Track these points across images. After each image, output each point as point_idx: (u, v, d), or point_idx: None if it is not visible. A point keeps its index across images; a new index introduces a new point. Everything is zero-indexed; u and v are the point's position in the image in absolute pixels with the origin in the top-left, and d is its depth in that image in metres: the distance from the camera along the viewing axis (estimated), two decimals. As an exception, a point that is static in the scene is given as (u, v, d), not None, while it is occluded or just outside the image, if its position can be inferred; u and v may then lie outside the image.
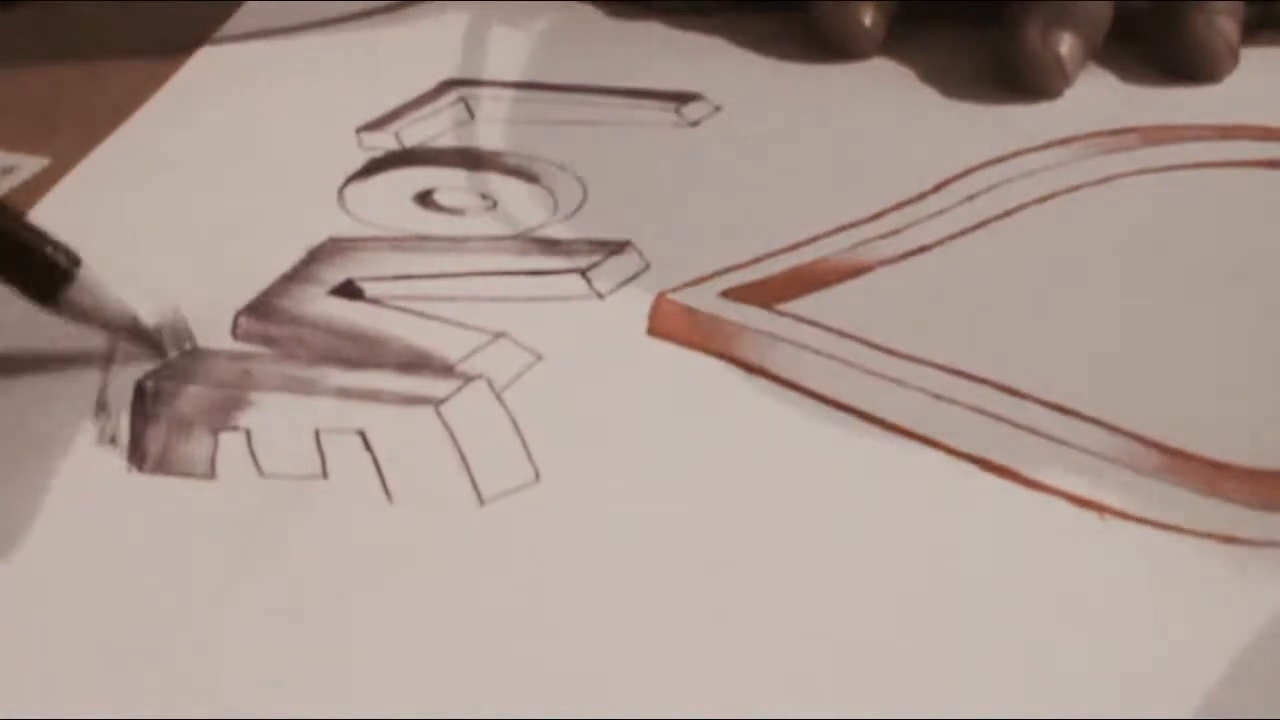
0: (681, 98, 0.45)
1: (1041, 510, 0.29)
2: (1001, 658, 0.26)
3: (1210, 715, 0.25)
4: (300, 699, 0.26)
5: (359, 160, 0.42)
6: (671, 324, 0.35)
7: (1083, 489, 0.29)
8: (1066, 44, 0.45)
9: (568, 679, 0.26)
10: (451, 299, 0.36)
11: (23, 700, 0.26)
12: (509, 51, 0.48)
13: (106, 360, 0.33)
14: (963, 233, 0.38)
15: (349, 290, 0.36)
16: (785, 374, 0.33)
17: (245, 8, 0.49)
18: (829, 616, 0.27)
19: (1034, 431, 0.31)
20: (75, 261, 0.32)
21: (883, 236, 0.38)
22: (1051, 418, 0.31)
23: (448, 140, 0.43)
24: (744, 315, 0.35)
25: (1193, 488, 0.29)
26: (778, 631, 0.27)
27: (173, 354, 0.32)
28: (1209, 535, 0.28)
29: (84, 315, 0.32)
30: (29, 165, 0.41)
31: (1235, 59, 0.45)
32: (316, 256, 0.37)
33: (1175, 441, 0.31)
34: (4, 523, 0.29)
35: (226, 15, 0.49)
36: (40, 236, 0.32)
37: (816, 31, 0.47)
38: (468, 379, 0.33)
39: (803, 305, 0.35)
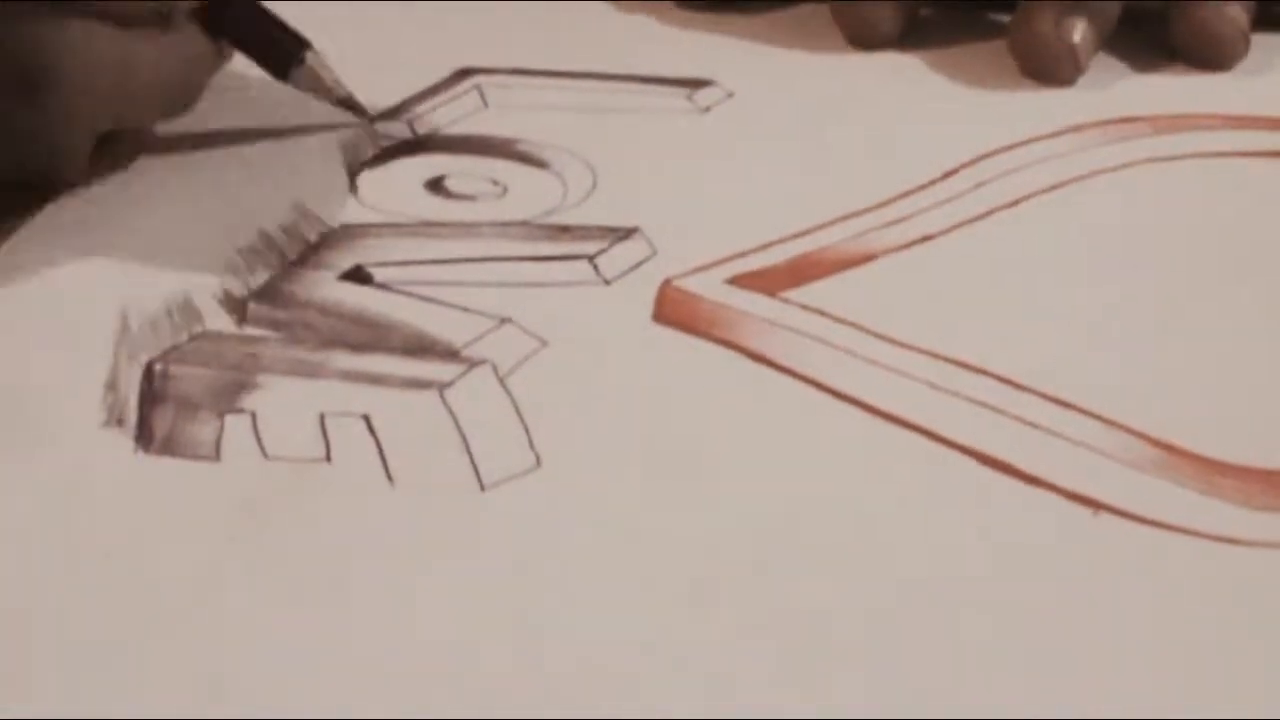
0: (694, 84, 0.45)
1: (1035, 504, 0.29)
2: (992, 649, 0.26)
3: (1206, 715, 0.25)
4: (299, 681, 0.26)
5: (373, 148, 0.42)
6: (677, 311, 0.35)
7: (1078, 484, 0.29)
8: (1079, 33, 0.45)
9: (565, 665, 0.26)
10: (459, 284, 0.36)
11: (22, 676, 0.26)
12: (522, 39, 0.48)
13: (117, 341, 0.34)
14: (969, 221, 0.38)
15: (358, 275, 0.36)
16: (789, 362, 0.33)
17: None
18: (825, 605, 0.27)
19: (1032, 425, 0.31)
20: (305, 45, 0.41)
21: (888, 225, 0.38)
22: (1050, 411, 0.31)
23: (461, 128, 0.43)
24: (749, 303, 0.35)
25: (1190, 486, 0.29)
26: (774, 618, 0.27)
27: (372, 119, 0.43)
28: (1205, 535, 0.28)
29: (308, 88, 0.41)
30: None
31: (1247, 48, 0.45)
32: (327, 242, 0.37)
33: (1174, 438, 0.31)
34: (10, 503, 0.30)
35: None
36: (281, 27, 0.41)
37: (836, 23, 0.48)
38: (472, 364, 0.33)
39: (807, 293, 0.35)
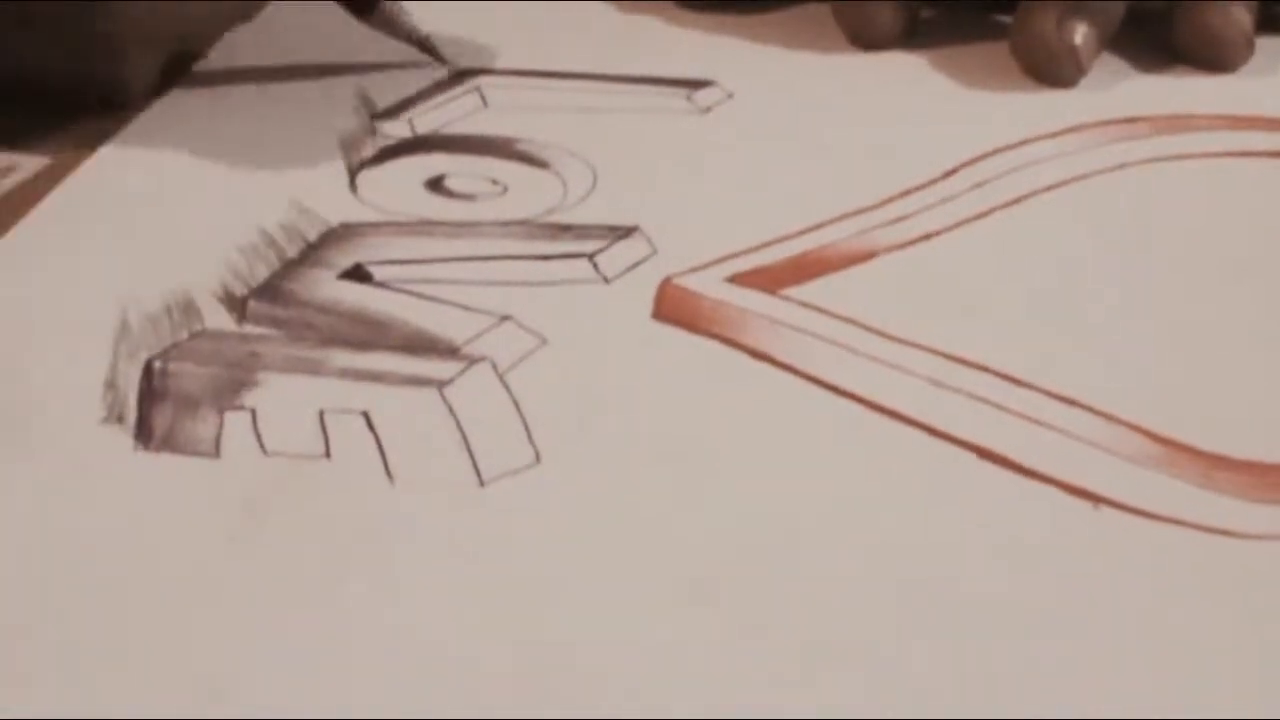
0: (693, 84, 0.45)
1: (1036, 499, 0.29)
2: (992, 648, 0.26)
3: (1205, 711, 0.25)
4: (298, 678, 0.26)
5: (373, 147, 0.42)
6: (677, 309, 0.35)
7: (1078, 478, 0.29)
8: (1081, 34, 0.45)
9: (565, 664, 0.26)
10: (459, 283, 0.36)
11: (21, 674, 0.26)
12: (522, 39, 0.48)
13: (116, 338, 0.34)
14: (969, 220, 0.38)
15: (358, 274, 0.36)
16: (789, 359, 0.33)
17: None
18: (825, 601, 0.27)
19: (1032, 420, 0.31)
20: None
21: (889, 223, 0.38)
22: (1050, 406, 0.31)
23: (460, 128, 0.43)
24: (749, 301, 0.35)
25: (1189, 480, 0.29)
26: (774, 616, 0.27)
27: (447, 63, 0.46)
28: (1204, 528, 0.28)
29: (386, 29, 0.45)
30: (29, 164, 0.41)
31: (1250, 49, 0.45)
32: (327, 241, 0.37)
33: (1174, 433, 0.31)
34: (10, 500, 0.30)
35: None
36: None
37: (837, 23, 0.48)
38: (472, 361, 0.33)
39: (807, 291, 0.35)
